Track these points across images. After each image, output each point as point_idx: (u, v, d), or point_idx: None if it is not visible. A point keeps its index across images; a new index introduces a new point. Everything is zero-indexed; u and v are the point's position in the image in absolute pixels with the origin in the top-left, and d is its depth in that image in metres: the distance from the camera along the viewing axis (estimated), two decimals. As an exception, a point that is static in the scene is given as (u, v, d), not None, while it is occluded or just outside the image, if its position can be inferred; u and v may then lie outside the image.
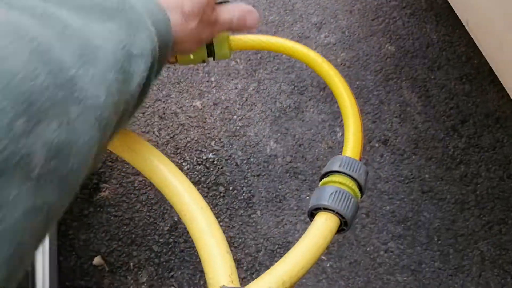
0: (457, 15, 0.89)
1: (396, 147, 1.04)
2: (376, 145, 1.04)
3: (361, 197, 0.56)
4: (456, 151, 1.04)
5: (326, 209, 0.50)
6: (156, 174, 0.46)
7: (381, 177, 1.00)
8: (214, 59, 0.77)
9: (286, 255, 0.45)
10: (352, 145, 0.59)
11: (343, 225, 0.52)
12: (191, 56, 0.74)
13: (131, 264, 0.86)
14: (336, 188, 0.53)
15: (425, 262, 0.91)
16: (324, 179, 0.57)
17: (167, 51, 0.39)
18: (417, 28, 1.21)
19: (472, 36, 0.80)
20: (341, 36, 1.20)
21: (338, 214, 0.51)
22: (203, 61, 0.77)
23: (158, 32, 0.35)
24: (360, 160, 0.58)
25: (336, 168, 0.55)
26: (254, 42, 0.79)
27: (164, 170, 0.47)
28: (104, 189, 0.93)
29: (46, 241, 0.65)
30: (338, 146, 1.04)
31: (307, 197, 0.97)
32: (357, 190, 0.55)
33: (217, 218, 0.92)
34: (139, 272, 0.85)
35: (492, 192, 0.99)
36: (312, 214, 0.52)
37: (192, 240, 0.87)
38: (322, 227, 0.47)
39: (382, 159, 1.02)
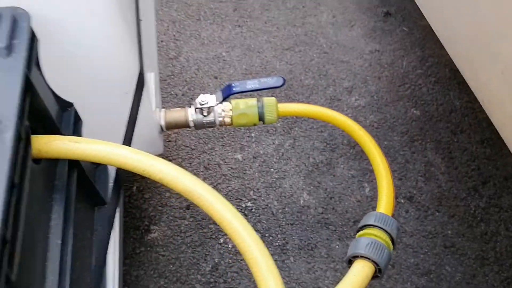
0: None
1: (420, 203, 1.12)
2: (402, 201, 1.12)
3: (393, 249, 0.65)
4: (477, 210, 1.11)
5: (363, 257, 0.59)
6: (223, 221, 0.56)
7: (406, 231, 1.08)
8: (263, 123, 0.89)
9: None
10: (385, 202, 0.69)
11: (377, 272, 0.61)
12: (245, 121, 0.87)
13: (176, 300, 0.95)
14: (372, 239, 0.63)
15: (447, 314, 0.97)
16: (361, 231, 0.66)
17: None
18: (441, 94, 1.32)
19: (486, 112, 0.90)
20: (370, 99, 1.32)
21: (373, 262, 0.60)
22: (254, 125, 0.90)
23: None
24: (392, 216, 0.68)
25: (371, 222, 0.65)
26: (298, 110, 0.92)
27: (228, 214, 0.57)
28: (154, 231, 1.04)
29: (116, 270, 0.76)
30: (366, 200, 1.13)
31: (337, 247, 1.05)
32: (390, 242, 0.64)
33: (253, 262, 1.01)
34: (183, 308, 0.94)
35: (511, 250, 1.05)
36: (350, 261, 0.62)
37: (230, 280, 0.96)
38: (359, 272, 0.57)
39: (407, 214, 1.10)
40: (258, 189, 1.14)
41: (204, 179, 1.14)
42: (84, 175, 0.70)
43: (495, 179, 1.15)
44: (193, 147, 1.21)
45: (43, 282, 0.52)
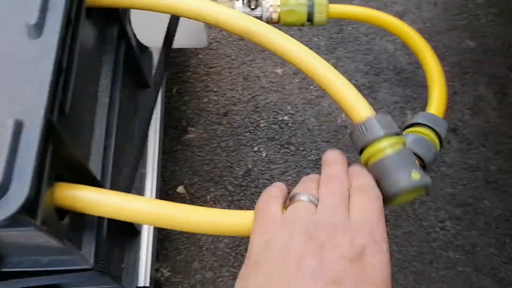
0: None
1: (465, 136, 1.07)
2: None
3: (440, 150, 0.61)
4: (525, 148, 1.06)
5: None
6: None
7: (446, 162, 1.04)
8: (312, 24, 0.85)
9: None
10: (436, 103, 0.65)
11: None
12: (293, 19, 0.82)
13: (208, 197, 0.96)
14: (419, 135, 0.59)
15: (479, 245, 0.95)
16: (407, 129, 0.63)
17: None
18: (501, 27, 1.23)
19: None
20: (422, 26, 1.24)
21: (419, 158, 0.57)
22: (302, 25, 0.86)
23: None
24: (444, 118, 0.64)
25: (419, 120, 0.62)
26: (351, 12, 0.87)
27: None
28: (191, 132, 1.03)
29: (155, 157, 0.76)
30: (407, 128, 1.09)
31: (372, 169, 1.03)
32: (437, 141, 0.61)
33: (285, 172, 1.00)
34: (214, 205, 0.95)
35: (556, 192, 1.01)
36: None
37: (262, 186, 0.96)
38: None
39: (449, 145, 1.06)
40: (296, 104, 1.11)
41: (242, 89, 1.11)
42: (131, 50, 0.68)
43: (548, 119, 1.09)
44: (233, 57, 1.17)
45: (91, 133, 0.51)
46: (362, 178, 0.39)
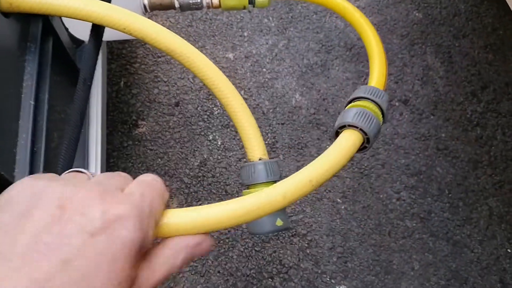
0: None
1: (415, 107, 1.09)
2: (397, 104, 1.09)
3: (382, 123, 0.62)
4: (474, 114, 1.08)
5: (350, 126, 0.56)
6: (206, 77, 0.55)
7: (399, 133, 1.06)
8: (254, 6, 0.84)
9: (314, 160, 0.52)
10: (376, 76, 0.65)
11: (366, 143, 0.58)
12: (233, 2, 0.81)
13: (164, 191, 0.95)
14: (360, 109, 0.59)
15: (434, 212, 0.98)
16: (349, 104, 0.63)
17: None
18: (446, -3, 1.25)
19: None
20: (371, 1, 1.24)
21: (361, 131, 0.57)
22: (244, 7, 0.84)
23: None
24: (385, 90, 0.64)
25: (360, 94, 0.62)
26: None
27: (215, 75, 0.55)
28: (142, 125, 1.01)
29: (98, 158, 0.73)
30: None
31: (327, 146, 1.04)
32: (379, 113, 0.61)
33: (241, 159, 1.00)
34: (170, 199, 0.94)
35: (506, 154, 1.04)
36: (337, 134, 0.59)
37: (219, 175, 0.95)
38: (346, 140, 0.54)
39: (401, 117, 1.08)
40: (249, 88, 1.10)
41: (193, 78, 1.10)
42: (61, 46, 0.65)
43: (495, 84, 1.12)
44: (182, 45, 1.15)
45: (15, 140, 0.49)
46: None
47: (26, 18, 0.57)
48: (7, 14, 0.52)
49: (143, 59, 1.10)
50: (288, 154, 1.02)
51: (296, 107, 1.08)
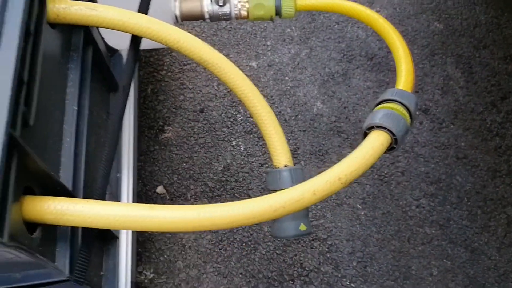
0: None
1: (436, 116, 1.11)
2: (417, 113, 1.11)
3: (411, 124, 0.64)
4: (493, 124, 1.09)
5: (378, 127, 0.59)
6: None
7: (419, 142, 1.07)
8: (280, 17, 0.87)
9: (343, 159, 0.54)
10: (404, 79, 0.68)
11: (394, 143, 0.60)
12: (261, 13, 0.85)
13: (188, 195, 0.98)
14: (388, 110, 0.62)
15: (453, 219, 0.99)
16: (377, 106, 0.66)
17: None
18: (467, 9, 1.26)
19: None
20: (392, 11, 1.27)
21: (389, 132, 0.60)
22: (271, 18, 0.88)
23: None
24: (412, 92, 0.67)
25: (388, 97, 0.64)
26: (318, 4, 0.89)
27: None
28: (168, 131, 1.05)
29: (131, 161, 0.77)
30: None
31: (348, 153, 1.06)
32: (407, 114, 0.63)
33: (264, 164, 1.03)
34: (195, 203, 0.97)
35: (525, 164, 1.04)
36: (365, 135, 0.62)
37: (241, 180, 0.99)
38: (375, 140, 0.56)
39: (421, 126, 1.10)
40: (272, 96, 1.13)
41: (218, 85, 1.13)
42: (99, 55, 0.69)
43: (515, 94, 1.13)
44: (207, 53, 1.19)
45: (60, 142, 0.53)
46: None
47: (69, 29, 0.61)
48: (53, 25, 0.56)
49: (170, 67, 1.14)
50: (309, 160, 1.05)
51: (318, 114, 1.11)
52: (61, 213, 0.41)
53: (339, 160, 1.05)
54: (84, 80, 0.61)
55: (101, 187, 0.52)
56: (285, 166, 0.65)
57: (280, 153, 0.63)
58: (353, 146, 1.07)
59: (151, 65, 1.14)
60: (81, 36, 0.62)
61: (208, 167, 1.02)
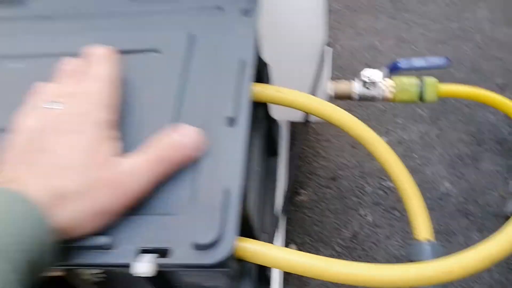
0: None
1: None
2: (553, 203, 1.09)
3: None
4: None
5: None
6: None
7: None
8: (423, 102, 0.95)
9: (490, 237, 0.58)
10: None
11: None
12: (406, 97, 0.94)
13: (319, 255, 1.05)
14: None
15: None
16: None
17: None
18: None
19: None
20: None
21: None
22: (413, 102, 0.96)
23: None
24: None
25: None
26: (458, 91, 0.96)
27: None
28: (303, 194, 1.15)
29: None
30: (510, 197, 1.11)
31: (475, 237, 1.07)
32: None
33: (390, 237, 1.07)
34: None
35: None
36: (507, 218, 0.65)
37: (368, 249, 1.04)
38: None
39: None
40: (400, 171, 1.19)
41: (349, 156, 1.22)
42: (270, 127, 0.83)
43: None
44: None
45: (246, 196, 0.65)
46: (99, 67, 0.46)
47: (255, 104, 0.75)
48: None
49: (306, 136, 1.26)
50: (436, 239, 1.07)
51: (445, 194, 1.14)
52: (256, 253, 0.49)
53: (466, 243, 1.06)
54: (262, 146, 0.73)
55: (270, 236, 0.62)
56: (428, 241, 0.69)
57: (423, 228, 0.67)
58: (480, 230, 1.08)
59: (290, 133, 1.27)
60: (264, 111, 0.75)
61: (336, 232, 1.09)
